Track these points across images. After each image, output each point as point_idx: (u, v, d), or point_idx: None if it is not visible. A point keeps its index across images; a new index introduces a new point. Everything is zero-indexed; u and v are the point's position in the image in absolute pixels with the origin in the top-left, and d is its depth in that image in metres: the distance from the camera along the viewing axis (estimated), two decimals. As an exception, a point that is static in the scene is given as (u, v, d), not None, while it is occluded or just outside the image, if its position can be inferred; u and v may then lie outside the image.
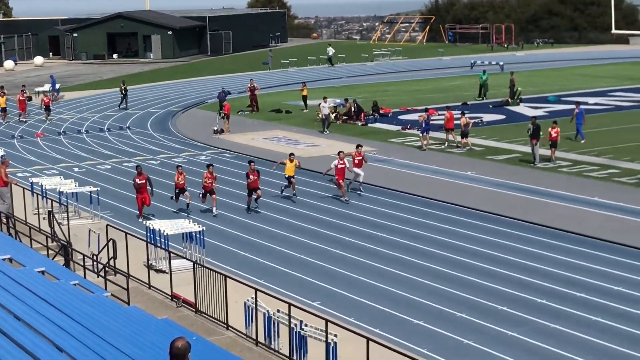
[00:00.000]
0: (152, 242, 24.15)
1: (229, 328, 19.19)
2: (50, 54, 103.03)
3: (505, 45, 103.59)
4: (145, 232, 24.75)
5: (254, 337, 18.47)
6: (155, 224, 24.69)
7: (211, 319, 19.76)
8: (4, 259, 19.77)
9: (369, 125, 49.29)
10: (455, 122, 41.58)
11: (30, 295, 16.44)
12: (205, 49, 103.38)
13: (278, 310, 17.91)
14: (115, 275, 22.69)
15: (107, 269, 22.69)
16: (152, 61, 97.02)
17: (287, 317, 17.43)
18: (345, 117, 50.37)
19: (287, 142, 44.77)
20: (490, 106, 54.42)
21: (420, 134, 41.40)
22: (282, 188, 32.17)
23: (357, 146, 33.83)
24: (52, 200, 28.79)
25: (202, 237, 24.12)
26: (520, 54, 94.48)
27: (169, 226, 24.47)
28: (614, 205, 29.84)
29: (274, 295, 19.53)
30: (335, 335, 16.47)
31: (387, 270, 23.94)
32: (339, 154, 32.04)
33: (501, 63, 75.70)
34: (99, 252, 23.75)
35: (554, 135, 36.43)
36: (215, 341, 17.84)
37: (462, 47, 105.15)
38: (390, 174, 36.20)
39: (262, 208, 30.36)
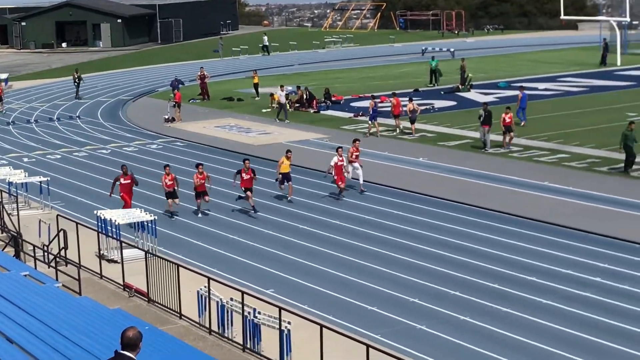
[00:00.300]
0: (104, 232, 23.97)
1: (182, 317, 19.11)
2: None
3: (456, 32, 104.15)
4: (96, 222, 24.55)
5: (207, 325, 18.41)
6: (107, 213, 24.49)
7: (164, 308, 19.66)
8: (-48, 251, 19.55)
9: (321, 112, 49.33)
10: (404, 108, 41.72)
11: (-20, 287, 16.27)
12: (155, 37, 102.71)
13: (231, 299, 17.87)
14: (66, 265, 22.50)
15: (58, 259, 22.51)
16: (101, 50, 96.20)
17: (240, 306, 17.40)
18: (297, 105, 50.35)
19: (239, 130, 44.68)
20: (442, 92, 54.68)
21: (369, 121, 41.51)
22: (276, 181, 30.25)
23: (354, 140, 31.69)
24: (1, 191, 28.46)
25: (153, 226, 23.98)
26: (470, 40, 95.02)
27: (121, 216, 24.30)
28: (564, 189, 30.14)
29: (227, 284, 19.48)
30: (289, 323, 16.48)
31: (340, 257, 23.99)
32: (337, 150, 30.09)
33: (452, 49, 76.08)
34: (50, 243, 23.52)
35: (507, 120, 36.67)
36: (168, 330, 17.78)
37: (413, 34, 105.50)
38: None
39: (213, 196, 30.21)
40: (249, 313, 17.23)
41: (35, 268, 21.24)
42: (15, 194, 28.92)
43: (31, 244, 23.18)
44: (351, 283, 21.90)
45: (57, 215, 24.78)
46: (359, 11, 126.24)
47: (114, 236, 23.60)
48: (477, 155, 36.29)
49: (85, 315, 16.19)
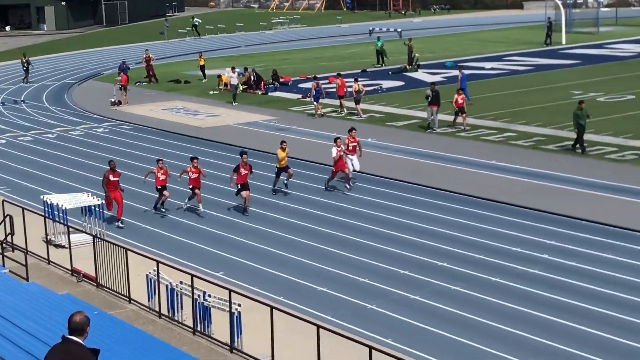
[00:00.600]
0: (51, 217, 23.72)
1: (132, 301, 19.01)
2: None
3: (403, 12, 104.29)
4: (43, 207, 24.28)
5: (157, 309, 18.33)
6: (53, 198, 24.23)
7: (113, 292, 19.54)
8: None
9: (269, 94, 49.17)
10: (349, 89, 41.72)
11: None
12: (100, 20, 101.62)
13: (181, 282, 17.81)
14: (13, 251, 22.28)
15: (4, 245, 22.27)
16: (45, 33, 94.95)
17: (190, 289, 17.34)
18: (245, 87, 50.14)
19: (186, 113, 44.41)
20: (390, 73, 54.76)
21: (314, 103, 41.44)
22: (284, 182, 28.38)
23: (350, 130, 29.76)
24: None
25: (101, 210, 23.78)
26: (417, 20, 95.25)
27: (68, 200, 24.05)
28: (511, 168, 30.37)
29: (176, 267, 19.42)
30: (239, 305, 16.46)
31: (290, 238, 23.99)
32: (335, 140, 28.44)
33: (399, 30, 76.18)
34: (-4, 229, 23.25)
35: (460, 101, 36.77)
36: (118, 315, 17.69)
37: (360, 15, 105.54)
38: (291, 142, 36.08)
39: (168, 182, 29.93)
40: (198, 296, 17.18)
41: (-19, 255, 20.99)
42: (-40, 180, 28.53)
43: (-24, 230, 22.89)
44: (301, 264, 21.91)
45: (3, 200, 24.51)
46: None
47: (61, 221, 23.36)
48: (425, 135, 36.42)
49: (33, 301, 16.05)
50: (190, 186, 26.22)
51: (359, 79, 43.20)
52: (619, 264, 20.96)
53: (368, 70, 56.17)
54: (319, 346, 14.69)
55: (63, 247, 22.67)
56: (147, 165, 30.60)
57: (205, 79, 54.70)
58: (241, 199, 26.36)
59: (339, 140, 28.36)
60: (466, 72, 43.64)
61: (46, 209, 24.04)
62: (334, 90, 43.08)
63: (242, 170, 25.94)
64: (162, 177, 26.16)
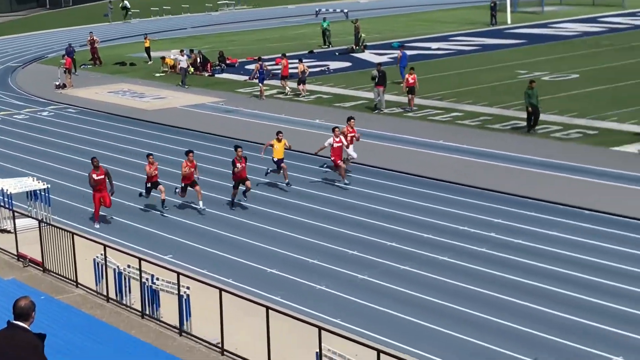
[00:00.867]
0: (-5, 202, 23.43)
1: (79, 286, 18.85)
2: None
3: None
4: (-13, 192, 23.95)
5: (104, 293, 18.20)
6: (-2, 183, 23.93)
7: (60, 277, 19.36)
8: None
9: (216, 75, 48.96)
10: (295, 70, 41.64)
11: None
12: (43, 2, 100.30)
13: (129, 266, 17.68)
14: (-43, 237, 21.98)
15: (-52, 231, 21.96)
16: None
17: (138, 272, 17.22)
18: (191, 69, 49.80)
19: (132, 95, 44.06)
20: (337, 54, 54.74)
21: (259, 84, 41.29)
22: (268, 171, 26.99)
23: (349, 119, 28.60)
24: None
25: (47, 195, 23.51)
26: (364, 1, 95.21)
27: (12, 185, 23.76)
28: (458, 147, 30.55)
29: (123, 251, 19.29)
30: (188, 288, 16.38)
31: (239, 220, 23.94)
32: (333, 130, 27.14)
33: (345, 10, 76.13)
34: (-61, 215, 22.91)
35: (411, 81, 36.80)
36: (65, 299, 17.54)
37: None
38: (239, 124, 36.04)
39: (113, 164, 29.65)
40: (147, 279, 17.08)
41: None
42: None
43: None
44: (249, 246, 21.87)
45: (-54, 186, 24.10)
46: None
47: (7, 206, 23.08)
48: (372, 115, 36.48)
49: (-22, 288, 15.84)
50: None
51: (304, 60, 43.12)
52: (565, 241, 21.20)
53: (315, 51, 56.10)
54: (269, 327, 14.68)
55: (8, 232, 22.42)
56: (93, 149, 30.28)
57: (150, 61, 54.30)
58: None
59: (337, 130, 27.01)
60: (411, 52, 43.79)
61: (-10, 194, 23.72)
62: (279, 71, 43.02)
63: (238, 165, 24.56)
64: (154, 173, 24.54)
